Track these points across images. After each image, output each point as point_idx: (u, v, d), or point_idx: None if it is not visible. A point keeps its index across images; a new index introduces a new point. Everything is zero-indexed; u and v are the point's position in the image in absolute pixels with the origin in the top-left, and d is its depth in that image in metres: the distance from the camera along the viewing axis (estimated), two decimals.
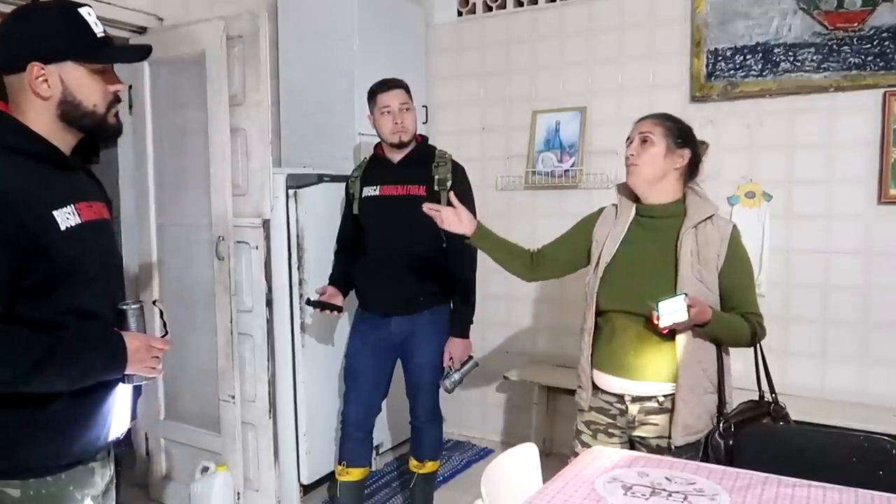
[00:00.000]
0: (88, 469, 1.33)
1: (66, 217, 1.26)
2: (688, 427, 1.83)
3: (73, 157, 1.36)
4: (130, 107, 2.99)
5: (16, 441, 1.23)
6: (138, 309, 1.43)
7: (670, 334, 1.80)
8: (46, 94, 1.27)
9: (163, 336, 1.52)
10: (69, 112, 1.29)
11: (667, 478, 1.58)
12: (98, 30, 1.32)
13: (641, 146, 1.89)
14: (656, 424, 1.87)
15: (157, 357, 1.40)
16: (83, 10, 1.31)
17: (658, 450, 1.86)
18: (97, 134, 1.35)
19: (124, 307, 1.42)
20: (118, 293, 1.43)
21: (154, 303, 1.53)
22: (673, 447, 1.83)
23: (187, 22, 2.84)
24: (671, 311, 1.70)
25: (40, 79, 1.26)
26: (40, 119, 1.29)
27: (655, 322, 1.72)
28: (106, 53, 1.33)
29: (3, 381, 1.18)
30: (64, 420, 1.27)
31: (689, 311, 1.69)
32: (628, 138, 1.95)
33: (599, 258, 1.94)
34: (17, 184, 1.22)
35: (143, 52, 1.43)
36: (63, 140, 1.32)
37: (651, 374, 1.85)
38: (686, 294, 1.72)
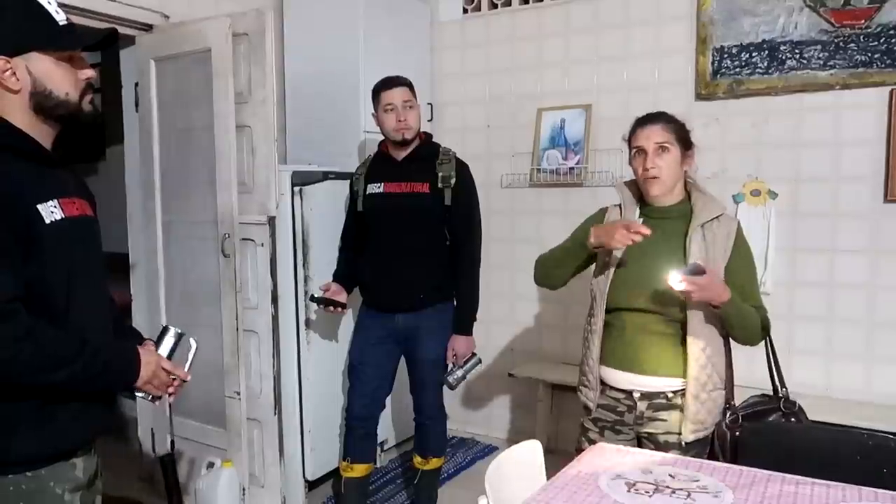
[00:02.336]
0: (69, 464, 1.32)
1: (51, 211, 1.26)
2: (698, 423, 1.85)
3: (55, 152, 1.35)
4: (137, 104, 3.01)
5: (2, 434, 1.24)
6: (178, 335, 1.49)
7: (682, 329, 1.83)
8: (16, 88, 1.26)
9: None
10: (42, 103, 1.28)
11: (670, 475, 1.58)
12: (60, 17, 1.30)
13: (659, 156, 1.87)
14: (665, 420, 1.88)
15: (170, 383, 1.44)
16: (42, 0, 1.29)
17: (666, 446, 1.87)
18: (74, 123, 1.34)
19: (169, 326, 1.48)
20: (106, 290, 1.43)
21: (192, 341, 1.55)
22: (683, 443, 1.85)
23: (193, 19, 2.85)
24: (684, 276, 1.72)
25: (7, 73, 1.25)
26: (16, 114, 1.28)
27: (670, 284, 1.72)
28: (69, 40, 1.31)
29: (45, 380, 1.22)
30: (45, 413, 1.27)
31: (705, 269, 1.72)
32: (637, 147, 1.91)
33: (609, 258, 1.93)
34: (3, 178, 1.21)
35: (106, 37, 1.42)
36: (42, 134, 1.31)
37: (660, 370, 1.87)
38: (697, 263, 1.74)
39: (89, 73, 1.35)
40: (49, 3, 1.30)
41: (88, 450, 1.38)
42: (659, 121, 1.91)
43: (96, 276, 1.39)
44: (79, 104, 1.33)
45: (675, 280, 1.72)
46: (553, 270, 2.05)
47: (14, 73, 1.26)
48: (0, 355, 1.16)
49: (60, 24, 1.30)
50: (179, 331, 1.51)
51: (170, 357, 1.50)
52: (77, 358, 1.24)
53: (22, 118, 1.28)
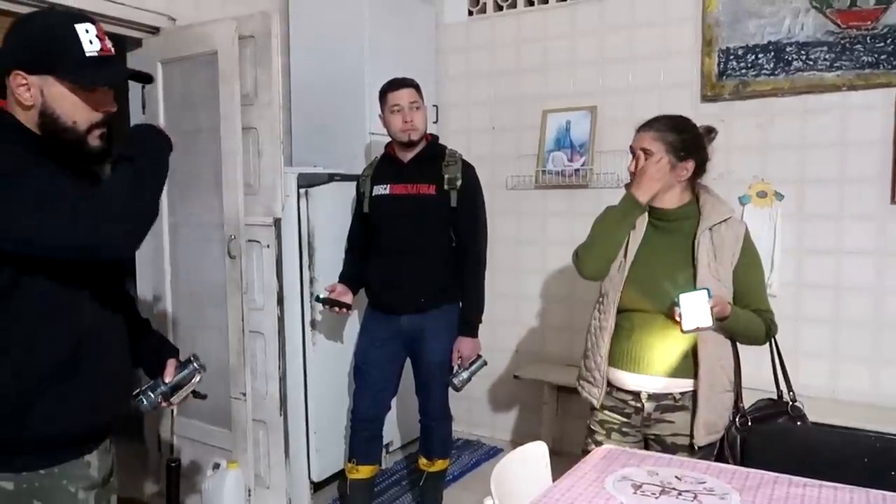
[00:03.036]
0: (83, 462, 1.34)
1: None
2: (709, 426, 1.86)
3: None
4: (143, 106, 3.02)
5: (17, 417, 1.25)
6: (196, 369, 1.56)
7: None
8: (27, 103, 1.27)
9: (195, 392, 1.59)
10: (49, 124, 1.28)
11: (677, 477, 1.58)
12: (91, 48, 1.28)
13: (643, 161, 1.89)
14: (672, 422, 1.89)
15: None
16: (81, 27, 1.28)
17: (673, 447, 1.88)
18: (78, 152, 1.32)
19: (195, 358, 1.56)
20: (123, 288, 1.46)
21: (197, 378, 1.59)
22: (697, 447, 1.85)
23: (200, 22, 2.86)
24: (694, 309, 1.71)
25: (22, 87, 1.26)
26: (28, 124, 1.29)
27: (677, 320, 1.73)
28: (88, 76, 1.28)
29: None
30: (55, 399, 1.28)
31: (711, 311, 1.71)
32: (631, 147, 1.94)
33: (624, 258, 1.93)
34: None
35: (130, 76, 1.41)
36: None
37: (668, 371, 1.87)
38: (708, 289, 1.72)
39: (109, 109, 1.34)
40: (87, 31, 1.28)
41: (101, 446, 1.39)
42: (651, 128, 1.91)
43: (104, 266, 1.40)
44: (85, 136, 1.31)
45: (688, 325, 1.72)
46: (609, 249, 1.92)
47: (29, 90, 1.27)
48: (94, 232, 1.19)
49: (88, 55, 1.28)
50: (201, 366, 1.57)
51: (183, 382, 1.54)
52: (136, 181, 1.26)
53: (33, 129, 1.30)
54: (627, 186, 2.00)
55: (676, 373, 1.87)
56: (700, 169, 1.93)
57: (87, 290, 1.34)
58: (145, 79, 1.43)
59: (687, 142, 1.89)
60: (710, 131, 1.96)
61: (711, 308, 1.71)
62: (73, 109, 1.29)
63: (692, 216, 1.92)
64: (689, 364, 1.86)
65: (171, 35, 2.88)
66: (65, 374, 1.29)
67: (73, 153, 1.33)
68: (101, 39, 1.30)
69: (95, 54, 1.29)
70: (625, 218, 1.90)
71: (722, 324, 1.81)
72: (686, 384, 1.87)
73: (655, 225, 1.94)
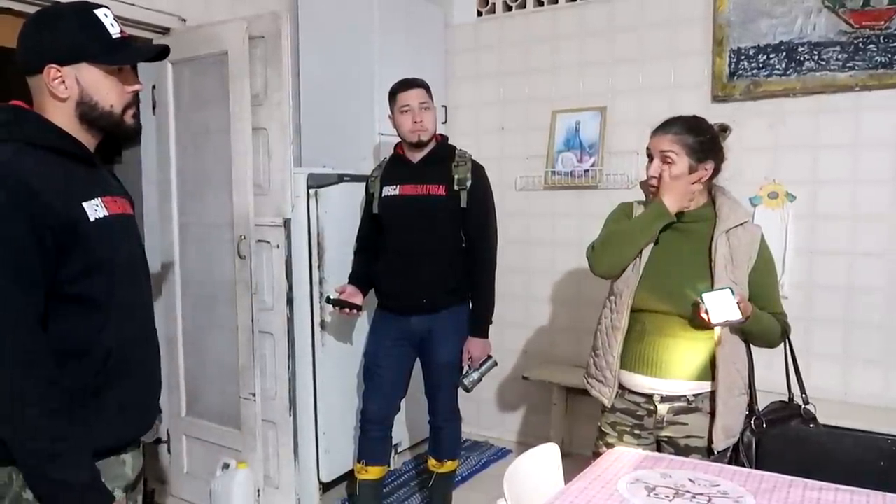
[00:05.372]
0: (120, 461, 1.36)
1: (95, 209, 1.29)
2: (727, 429, 1.85)
3: (96, 155, 1.40)
4: (154, 107, 3.03)
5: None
6: None
7: (699, 330, 1.82)
8: (64, 96, 1.30)
9: None
10: (87, 113, 1.32)
11: (690, 479, 1.57)
12: (114, 31, 1.33)
13: (663, 165, 1.87)
14: (685, 424, 1.87)
15: None
16: (99, 12, 1.33)
17: (686, 450, 1.86)
18: (116, 134, 1.38)
19: None
20: (146, 286, 1.47)
21: None
22: (716, 452, 1.84)
23: (210, 23, 2.86)
24: (719, 306, 1.71)
25: (57, 80, 1.29)
26: (61, 119, 1.32)
27: (704, 316, 1.73)
28: (121, 55, 1.34)
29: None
30: (97, 409, 1.31)
31: (738, 306, 1.71)
32: (648, 149, 1.92)
33: (639, 258, 1.91)
34: (47, 179, 1.24)
35: (157, 52, 1.44)
36: (85, 139, 1.35)
37: (681, 373, 1.86)
38: (731, 289, 1.72)
39: (137, 87, 1.39)
40: (105, 15, 1.34)
41: (136, 448, 1.42)
42: (669, 131, 1.88)
43: (138, 270, 1.43)
44: (121, 117, 1.36)
45: (717, 318, 1.72)
46: (627, 251, 1.89)
47: (63, 82, 1.30)
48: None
49: (114, 37, 1.33)
50: None
51: None
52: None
53: (66, 124, 1.32)
54: (643, 184, 1.99)
55: (691, 375, 1.85)
56: (716, 170, 1.91)
57: (145, 296, 1.41)
58: (164, 52, 1.47)
59: (706, 143, 1.87)
60: (724, 129, 1.95)
61: (738, 303, 1.71)
62: (109, 93, 1.33)
63: (708, 218, 1.91)
64: (704, 366, 1.85)
65: (181, 35, 2.89)
66: (118, 376, 1.32)
67: (111, 138, 1.37)
68: (116, 22, 1.36)
69: (119, 36, 1.34)
70: (651, 224, 1.88)
71: (744, 324, 1.79)
72: (700, 386, 1.86)
73: (671, 225, 1.93)
